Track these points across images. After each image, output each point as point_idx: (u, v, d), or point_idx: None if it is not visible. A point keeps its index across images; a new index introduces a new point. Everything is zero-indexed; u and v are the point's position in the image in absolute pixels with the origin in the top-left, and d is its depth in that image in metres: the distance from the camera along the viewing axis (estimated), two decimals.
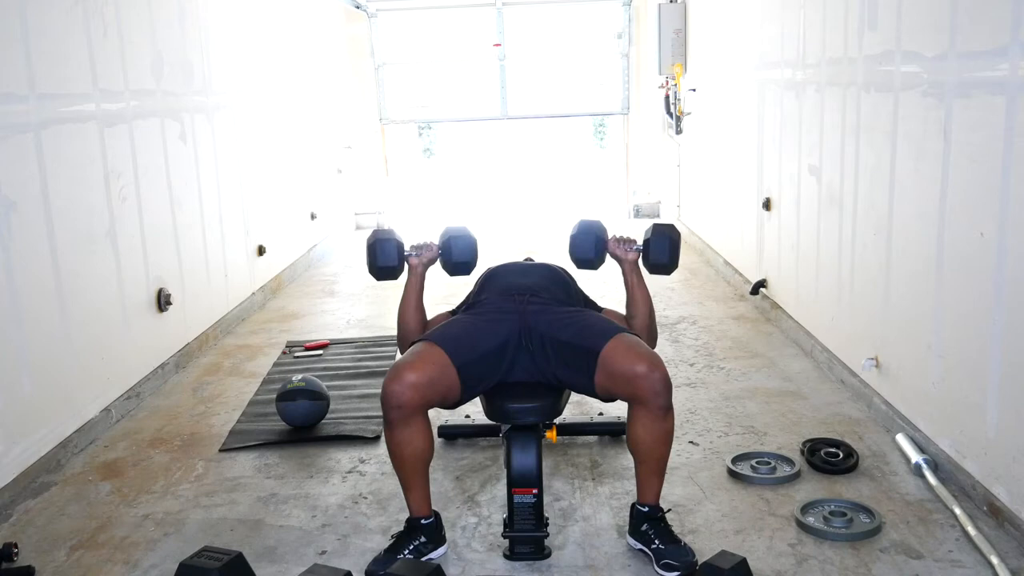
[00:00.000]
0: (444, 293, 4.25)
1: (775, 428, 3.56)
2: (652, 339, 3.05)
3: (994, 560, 2.50)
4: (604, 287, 4.62)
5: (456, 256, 3.10)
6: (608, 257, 3.11)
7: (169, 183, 4.59)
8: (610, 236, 3.10)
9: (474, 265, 3.15)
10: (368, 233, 3.15)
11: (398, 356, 4.56)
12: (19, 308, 3.26)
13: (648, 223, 3.14)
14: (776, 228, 5.00)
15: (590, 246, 3.08)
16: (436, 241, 3.13)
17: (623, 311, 3.11)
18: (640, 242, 3.05)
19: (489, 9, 8.86)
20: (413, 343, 2.79)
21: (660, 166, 8.54)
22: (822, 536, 2.71)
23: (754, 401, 3.86)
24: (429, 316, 3.13)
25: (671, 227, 3.06)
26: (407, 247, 3.08)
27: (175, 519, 3.00)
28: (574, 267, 3.15)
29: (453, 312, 3.12)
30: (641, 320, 3.02)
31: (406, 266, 3.07)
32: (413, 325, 3.03)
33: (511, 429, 2.69)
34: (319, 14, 8.00)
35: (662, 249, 3.03)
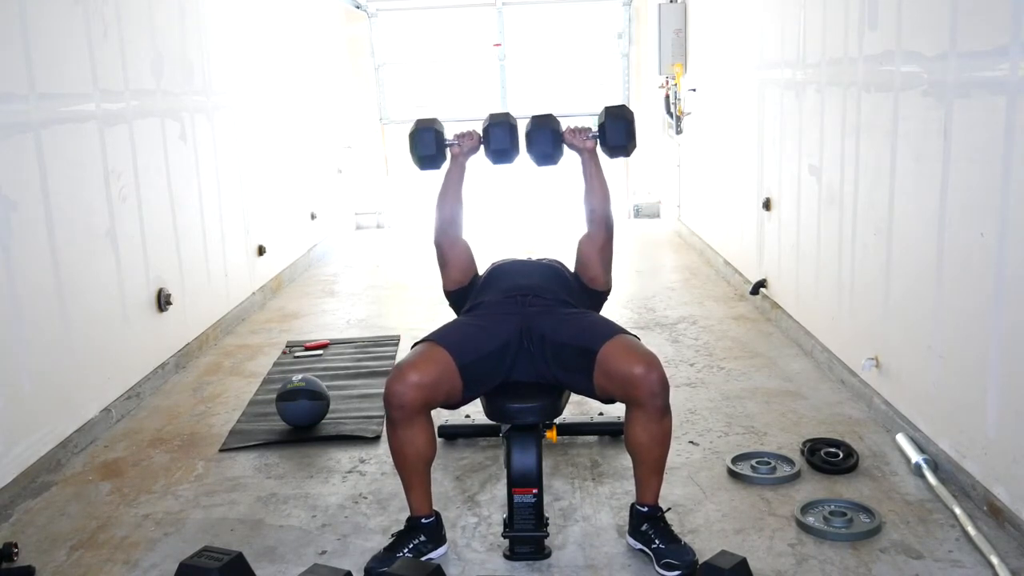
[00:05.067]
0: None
1: (775, 428, 3.56)
2: (610, 229, 3.04)
3: (994, 560, 2.50)
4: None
5: (496, 144, 3.07)
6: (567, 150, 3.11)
7: (169, 183, 4.59)
8: (565, 128, 3.10)
9: (516, 153, 3.12)
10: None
11: (398, 355, 4.59)
12: (19, 308, 3.26)
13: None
14: (776, 228, 5.00)
15: (547, 140, 3.06)
16: (479, 130, 3.12)
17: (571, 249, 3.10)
18: (595, 129, 3.05)
19: (489, 9, 8.86)
20: (416, 344, 2.78)
21: (660, 166, 8.55)
22: (822, 536, 2.71)
23: (754, 401, 3.86)
24: (468, 248, 3.11)
25: (623, 107, 3.09)
26: (449, 136, 3.08)
27: (175, 519, 3.00)
28: (535, 166, 3.12)
29: (473, 278, 3.11)
30: (599, 211, 3.02)
31: (448, 155, 3.08)
32: (448, 214, 3.05)
33: (511, 429, 2.69)
34: (319, 14, 8.00)
35: (618, 130, 3.04)
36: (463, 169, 3.10)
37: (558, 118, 3.11)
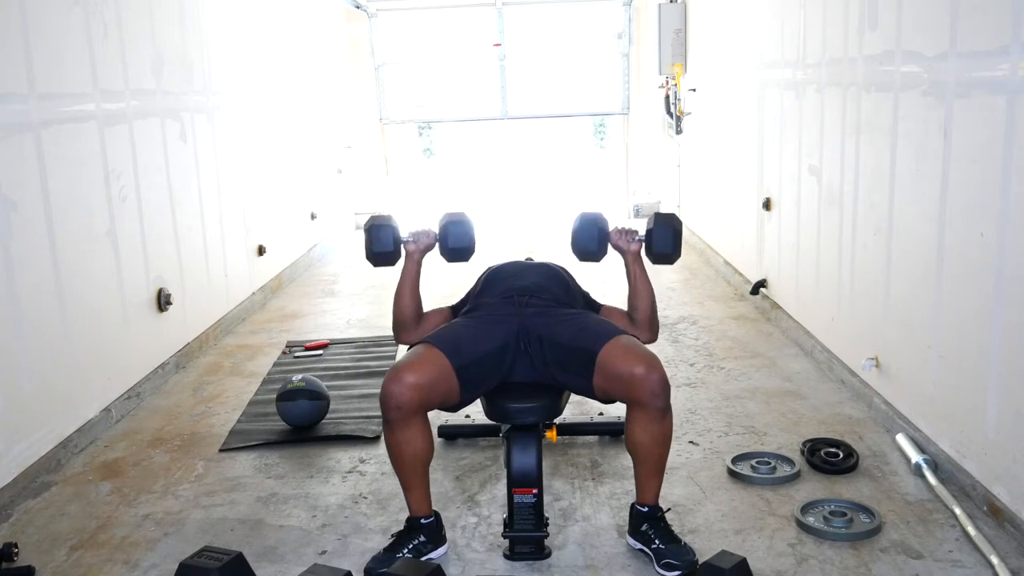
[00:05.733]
0: (445, 293, 4.24)
1: (775, 428, 3.56)
2: (654, 331, 3.04)
3: (994, 560, 2.50)
4: (604, 286, 4.62)
5: (452, 242, 3.07)
6: (610, 249, 3.09)
7: (169, 183, 4.59)
8: (612, 227, 3.10)
9: (472, 252, 3.11)
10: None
11: (398, 356, 4.59)
12: (19, 308, 3.26)
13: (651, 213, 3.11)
14: (776, 228, 5.00)
15: (592, 238, 3.06)
16: (434, 228, 3.10)
17: (623, 306, 3.11)
18: (642, 232, 3.05)
19: (489, 9, 8.86)
20: (413, 344, 2.78)
21: (660, 166, 8.55)
22: (822, 536, 2.71)
23: (754, 401, 3.86)
24: (427, 309, 3.11)
25: (673, 216, 3.05)
26: (405, 233, 3.07)
27: (175, 519, 3.00)
28: (576, 260, 3.13)
29: (453, 308, 3.12)
30: (643, 312, 3.01)
31: (403, 252, 3.06)
32: (408, 313, 3.02)
33: (511, 429, 2.69)
34: (319, 14, 8.00)
35: (665, 239, 3.01)
36: (419, 266, 3.05)
37: (605, 217, 3.10)
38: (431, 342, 2.72)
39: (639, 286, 3.01)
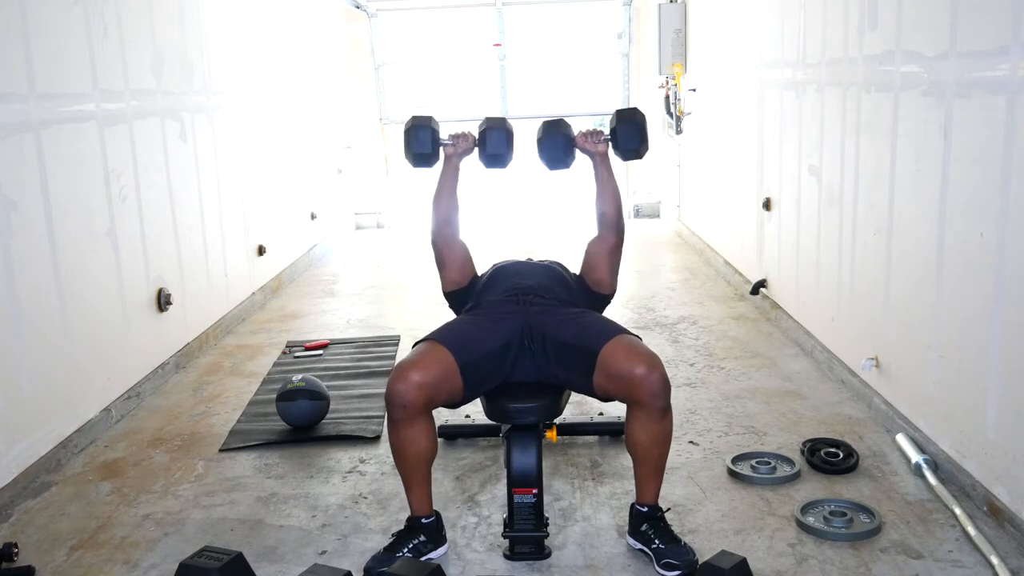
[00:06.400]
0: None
1: (775, 428, 3.56)
2: (620, 233, 3.04)
3: (994, 560, 2.50)
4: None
5: (491, 148, 3.06)
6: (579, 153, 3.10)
7: (169, 183, 4.59)
8: (576, 132, 3.09)
9: (510, 158, 3.11)
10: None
11: (399, 355, 4.59)
12: (19, 308, 3.26)
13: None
14: (776, 228, 5.00)
15: (558, 145, 3.06)
16: (474, 132, 3.10)
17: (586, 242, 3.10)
18: (607, 132, 3.04)
19: (489, 9, 8.86)
20: (418, 343, 2.78)
21: (660, 166, 8.55)
22: (822, 536, 2.71)
23: (754, 401, 3.86)
24: (465, 248, 3.09)
25: (635, 110, 3.08)
26: (444, 136, 3.07)
27: (175, 519, 3.00)
28: (546, 170, 3.12)
29: (472, 280, 3.10)
30: (610, 214, 3.03)
31: (442, 155, 3.06)
32: (444, 214, 3.04)
33: (511, 429, 2.69)
34: (319, 14, 8.01)
35: (631, 133, 3.02)
36: (457, 170, 3.08)
37: (568, 121, 3.10)
38: (435, 339, 2.73)
39: (606, 187, 3.04)
